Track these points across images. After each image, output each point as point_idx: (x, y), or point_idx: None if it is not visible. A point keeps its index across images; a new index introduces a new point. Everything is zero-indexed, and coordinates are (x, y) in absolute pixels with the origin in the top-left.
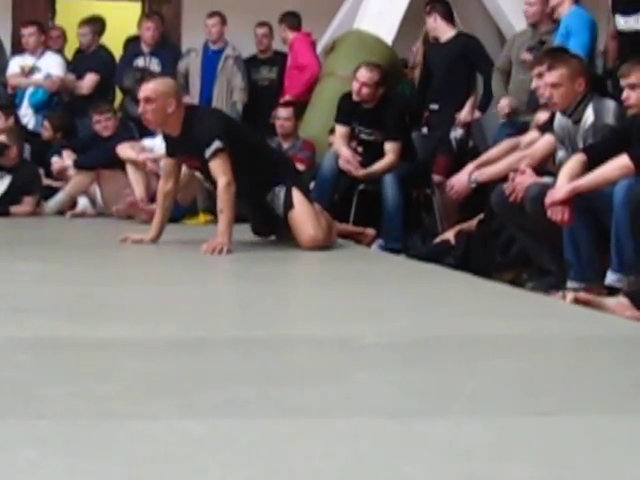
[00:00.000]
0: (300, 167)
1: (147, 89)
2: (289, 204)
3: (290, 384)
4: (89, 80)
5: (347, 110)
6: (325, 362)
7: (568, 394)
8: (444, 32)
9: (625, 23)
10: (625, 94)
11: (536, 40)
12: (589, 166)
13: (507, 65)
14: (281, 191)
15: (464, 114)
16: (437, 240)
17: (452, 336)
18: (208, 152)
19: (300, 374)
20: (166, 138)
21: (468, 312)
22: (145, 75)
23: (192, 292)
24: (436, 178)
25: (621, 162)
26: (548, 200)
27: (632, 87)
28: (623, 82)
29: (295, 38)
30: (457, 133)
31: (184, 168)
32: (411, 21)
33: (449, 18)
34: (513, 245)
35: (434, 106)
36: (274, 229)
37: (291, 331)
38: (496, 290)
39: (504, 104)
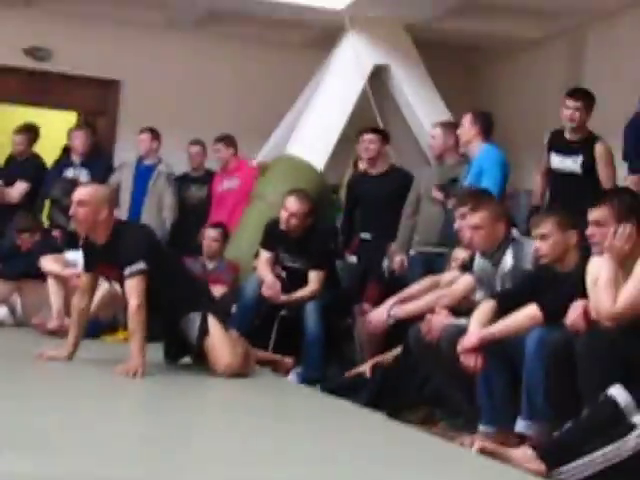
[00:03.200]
0: (222, 289)
1: (82, 192)
2: (204, 331)
3: None
4: (18, 188)
5: (273, 237)
6: None
7: None
8: (380, 164)
9: (561, 162)
10: (536, 245)
11: (446, 177)
12: (499, 313)
13: (415, 202)
14: (196, 317)
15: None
16: (352, 372)
17: None
18: (129, 270)
19: None
20: (87, 248)
21: (371, 460)
22: (74, 187)
23: (94, 422)
24: (366, 307)
25: (530, 312)
26: (460, 347)
27: (542, 237)
28: (534, 233)
29: (242, 163)
30: (389, 263)
31: (106, 286)
32: (343, 147)
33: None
34: (428, 382)
35: (365, 235)
36: (185, 354)
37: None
38: (403, 435)
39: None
